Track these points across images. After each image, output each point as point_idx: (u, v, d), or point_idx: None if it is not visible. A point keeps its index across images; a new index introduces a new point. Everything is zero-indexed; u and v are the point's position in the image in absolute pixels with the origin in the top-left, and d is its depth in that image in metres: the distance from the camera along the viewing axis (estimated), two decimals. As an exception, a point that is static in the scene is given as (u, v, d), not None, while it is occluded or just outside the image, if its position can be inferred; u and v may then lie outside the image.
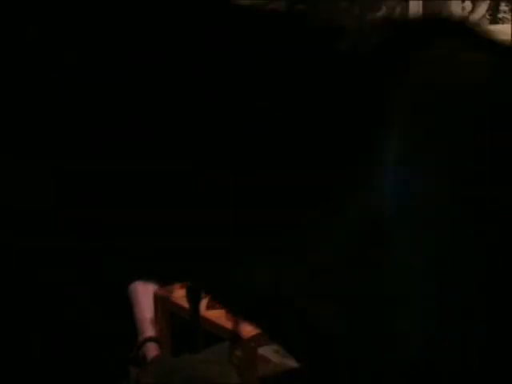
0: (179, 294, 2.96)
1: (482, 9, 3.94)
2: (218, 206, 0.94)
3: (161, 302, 3.03)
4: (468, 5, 3.98)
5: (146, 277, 0.97)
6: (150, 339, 2.97)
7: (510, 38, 3.61)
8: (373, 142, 0.89)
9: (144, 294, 3.05)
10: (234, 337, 2.74)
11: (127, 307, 2.97)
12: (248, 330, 2.69)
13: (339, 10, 4.21)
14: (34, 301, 0.93)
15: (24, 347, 0.94)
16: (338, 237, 0.90)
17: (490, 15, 3.93)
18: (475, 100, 0.88)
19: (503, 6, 3.90)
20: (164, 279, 0.97)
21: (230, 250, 0.95)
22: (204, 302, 2.80)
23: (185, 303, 2.82)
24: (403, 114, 0.90)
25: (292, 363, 2.73)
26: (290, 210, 0.93)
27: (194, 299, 2.77)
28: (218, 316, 2.80)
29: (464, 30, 0.98)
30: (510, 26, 3.79)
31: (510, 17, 3.86)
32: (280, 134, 0.95)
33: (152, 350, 3.06)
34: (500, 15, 3.91)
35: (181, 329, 2.92)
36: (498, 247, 0.85)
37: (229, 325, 2.76)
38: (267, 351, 3.07)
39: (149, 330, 2.99)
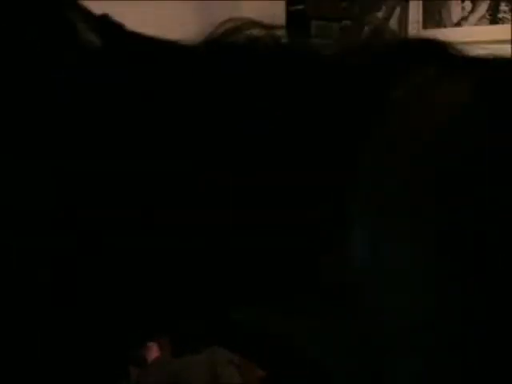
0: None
1: (482, 9, 3.95)
2: (218, 206, 0.94)
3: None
4: (468, 5, 3.98)
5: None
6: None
7: (510, 37, 3.61)
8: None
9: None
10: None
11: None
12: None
13: (339, 9, 4.21)
14: (33, 301, 0.93)
15: (24, 347, 0.94)
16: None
17: (490, 15, 3.93)
18: (439, 166, 0.88)
19: (503, 6, 3.90)
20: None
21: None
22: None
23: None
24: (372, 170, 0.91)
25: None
26: (290, 210, 0.93)
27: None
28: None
29: (443, 55, 0.97)
30: (509, 25, 3.79)
31: (509, 17, 3.86)
32: (280, 134, 0.95)
33: (152, 350, 3.06)
34: (500, 15, 3.91)
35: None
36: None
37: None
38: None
39: (149, 331, 2.98)
